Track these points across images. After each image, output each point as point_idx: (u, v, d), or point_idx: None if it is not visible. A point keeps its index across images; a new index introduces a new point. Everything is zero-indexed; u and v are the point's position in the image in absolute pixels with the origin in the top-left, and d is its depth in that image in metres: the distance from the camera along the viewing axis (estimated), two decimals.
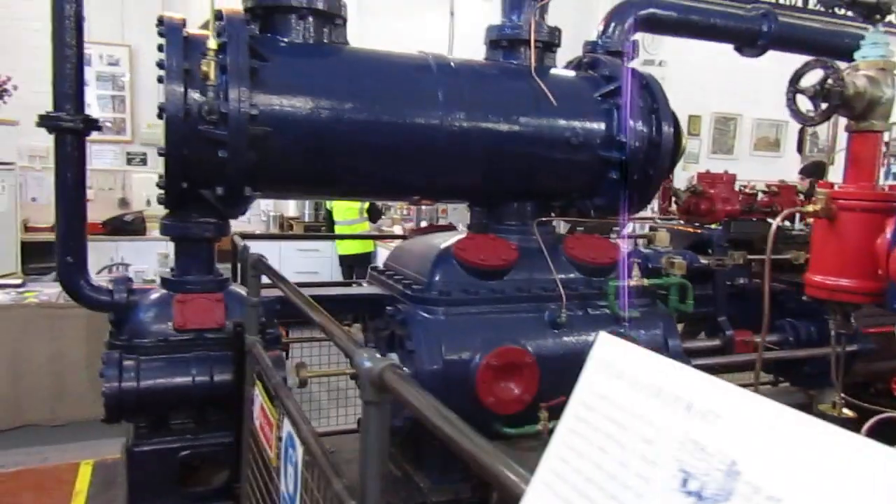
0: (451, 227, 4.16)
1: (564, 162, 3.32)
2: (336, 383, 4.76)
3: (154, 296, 2.95)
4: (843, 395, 2.90)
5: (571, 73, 3.58)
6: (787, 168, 12.70)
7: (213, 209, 2.96)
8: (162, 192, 2.84)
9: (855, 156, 2.45)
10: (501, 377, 2.98)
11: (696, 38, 3.97)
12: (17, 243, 7.35)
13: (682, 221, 4.36)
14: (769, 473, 0.49)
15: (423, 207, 8.59)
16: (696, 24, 3.88)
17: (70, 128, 2.71)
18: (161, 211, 9.23)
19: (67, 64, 2.71)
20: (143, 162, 8.68)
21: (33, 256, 7.28)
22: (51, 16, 2.70)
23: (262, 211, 9.18)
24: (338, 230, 8.28)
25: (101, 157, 8.66)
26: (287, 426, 1.97)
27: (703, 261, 3.87)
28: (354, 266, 8.18)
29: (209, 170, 2.72)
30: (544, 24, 3.42)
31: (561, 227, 4.38)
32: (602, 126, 3.35)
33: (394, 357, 2.97)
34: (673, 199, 4.22)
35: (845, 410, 2.95)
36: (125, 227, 8.10)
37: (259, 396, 2.35)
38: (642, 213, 4.52)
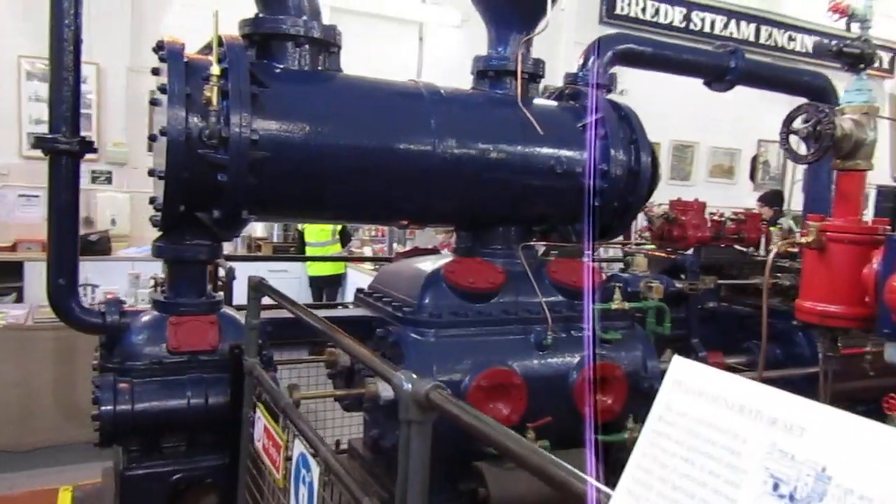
0: (435, 251, 4.24)
1: (549, 189, 3.44)
2: (306, 405, 4.75)
3: (146, 318, 2.94)
4: None
5: (554, 104, 3.71)
6: (740, 194, 13.20)
7: (207, 231, 2.98)
8: (157, 214, 2.85)
9: (842, 192, 2.65)
10: (491, 398, 3.05)
11: (668, 73, 4.17)
12: None
13: (654, 246, 4.53)
14: (859, 477, 0.58)
15: (393, 230, 8.65)
16: (669, 59, 4.08)
17: (66, 150, 2.72)
18: (125, 231, 9.04)
19: (65, 87, 2.72)
20: (109, 181, 8.54)
21: None
22: (49, 39, 2.71)
23: None
24: (309, 252, 8.28)
25: None
26: (299, 447, 2.00)
27: (678, 285, 4.02)
28: (325, 287, 8.18)
29: (208, 193, 2.75)
30: (529, 57, 3.55)
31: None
32: (584, 155, 3.48)
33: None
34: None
35: None
36: (90, 246, 7.93)
37: (262, 418, 2.37)
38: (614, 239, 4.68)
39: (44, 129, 2.84)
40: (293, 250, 8.76)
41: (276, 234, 9.18)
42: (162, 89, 2.66)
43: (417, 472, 1.30)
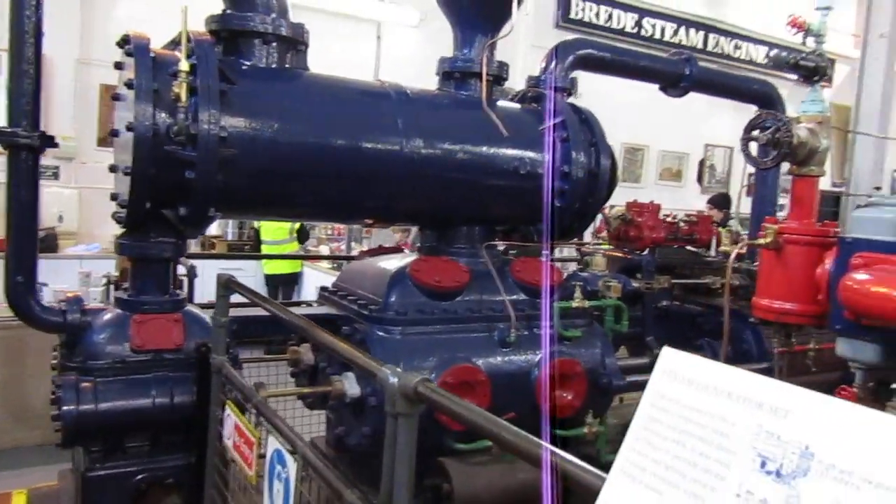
0: (399, 250, 4.27)
1: (513, 189, 3.51)
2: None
3: (108, 316, 2.90)
4: None
5: (518, 106, 3.79)
6: (687, 196, 13.61)
7: (172, 229, 2.95)
8: (121, 210, 2.81)
9: (797, 196, 2.82)
10: (456, 395, 3.10)
11: (626, 78, 4.29)
12: None
13: (610, 246, 4.66)
14: (840, 453, 0.65)
15: (349, 228, 8.64)
16: (627, 64, 4.20)
17: (26, 144, 2.66)
18: (73, 228, 8.78)
19: (25, 80, 2.66)
20: (55, 176, 8.28)
21: None
22: (9, 31, 2.65)
23: None
24: (265, 250, 8.19)
25: None
26: (273, 443, 2.01)
27: (634, 284, 4.15)
28: (281, 286, 8.11)
29: (174, 190, 2.73)
30: (494, 59, 3.62)
31: None
32: (547, 157, 3.56)
33: (351, 376, 3.04)
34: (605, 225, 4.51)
35: None
36: None
37: (232, 416, 2.37)
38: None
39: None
40: (249, 248, 8.65)
41: (231, 231, 9.05)
42: (129, 84, 2.63)
43: (404, 465, 1.34)
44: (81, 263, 7.17)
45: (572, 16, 11.80)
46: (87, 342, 2.78)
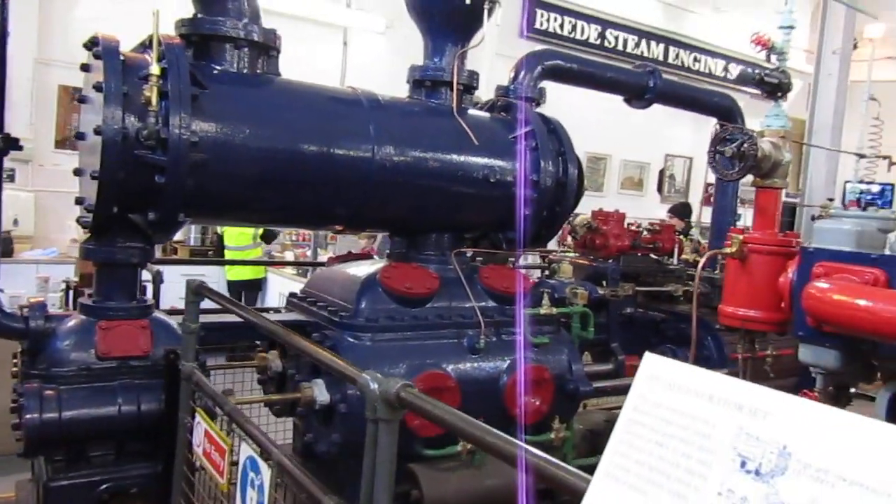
0: (368, 256, 4.27)
1: (483, 197, 3.55)
2: None
3: (72, 323, 2.84)
4: None
5: (487, 115, 3.83)
6: (648, 205, 13.87)
7: (139, 234, 2.91)
8: (87, 215, 2.76)
9: (761, 207, 2.92)
10: None
11: (593, 89, 4.38)
12: None
13: (577, 254, 4.73)
14: (817, 453, 0.69)
15: (314, 234, 8.59)
16: (594, 76, 4.29)
17: None
18: (29, 231, 8.54)
19: None
20: (11, 178, 8.04)
21: None
22: None
23: None
24: (229, 255, 8.09)
25: None
26: (246, 450, 2.00)
27: (600, 291, 4.22)
28: (244, 292, 8.02)
29: (144, 194, 2.69)
30: (465, 68, 3.66)
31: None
32: (517, 165, 3.62)
33: (320, 383, 3.03)
34: (570, 233, 4.58)
35: None
36: None
37: (202, 423, 2.35)
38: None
39: None
40: (212, 254, 8.53)
41: (194, 237, 8.91)
42: (97, 87, 2.59)
43: (385, 470, 1.35)
44: (38, 268, 6.99)
45: (538, 26, 11.95)
46: (50, 349, 2.72)
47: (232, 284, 8.22)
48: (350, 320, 3.17)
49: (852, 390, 2.61)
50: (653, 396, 0.86)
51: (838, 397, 2.53)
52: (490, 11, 3.54)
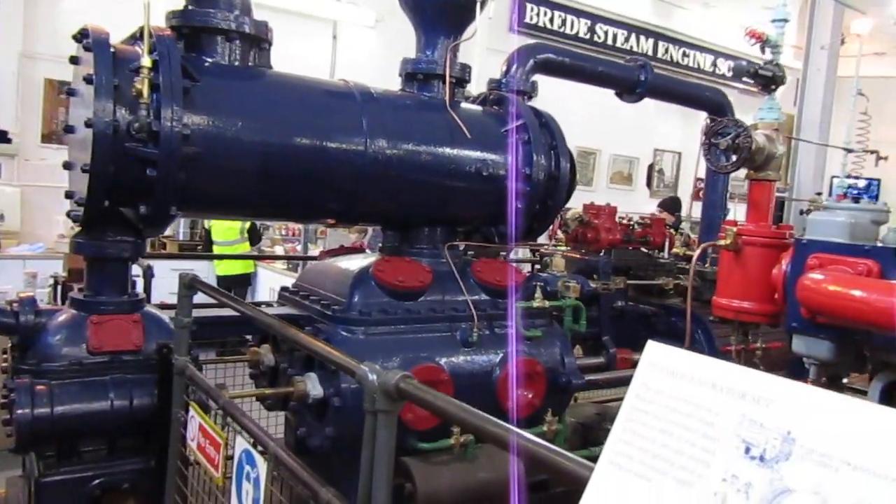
0: (360, 250, 4.26)
1: (476, 191, 3.54)
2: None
3: (63, 317, 2.81)
4: None
5: (480, 109, 3.83)
6: (637, 200, 13.92)
7: (130, 228, 2.89)
8: (78, 209, 2.73)
9: (754, 200, 2.94)
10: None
11: (584, 83, 4.38)
12: None
13: (569, 248, 4.74)
14: (821, 438, 0.70)
15: (305, 229, 8.56)
16: (585, 70, 4.29)
17: None
18: (15, 227, 8.46)
19: None
20: None
21: None
22: None
23: None
24: (217, 250, 8.05)
25: None
26: (242, 444, 2.00)
27: (592, 285, 4.23)
28: (233, 287, 7.97)
29: (135, 188, 2.67)
30: (457, 62, 3.65)
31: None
32: (508, 159, 3.61)
33: (313, 377, 3.03)
34: (561, 227, 4.59)
35: None
36: None
37: (196, 418, 2.34)
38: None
39: None
40: (200, 248, 8.49)
41: (182, 231, 8.86)
42: (87, 79, 2.56)
43: (384, 462, 1.35)
44: (25, 264, 6.92)
45: (528, 20, 11.95)
46: (41, 344, 2.70)
47: (221, 279, 8.18)
48: (343, 314, 3.16)
49: (845, 381, 2.64)
50: (655, 384, 0.86)
51: (831, 388, 2.55)
52: (483, 4, 3.53)
